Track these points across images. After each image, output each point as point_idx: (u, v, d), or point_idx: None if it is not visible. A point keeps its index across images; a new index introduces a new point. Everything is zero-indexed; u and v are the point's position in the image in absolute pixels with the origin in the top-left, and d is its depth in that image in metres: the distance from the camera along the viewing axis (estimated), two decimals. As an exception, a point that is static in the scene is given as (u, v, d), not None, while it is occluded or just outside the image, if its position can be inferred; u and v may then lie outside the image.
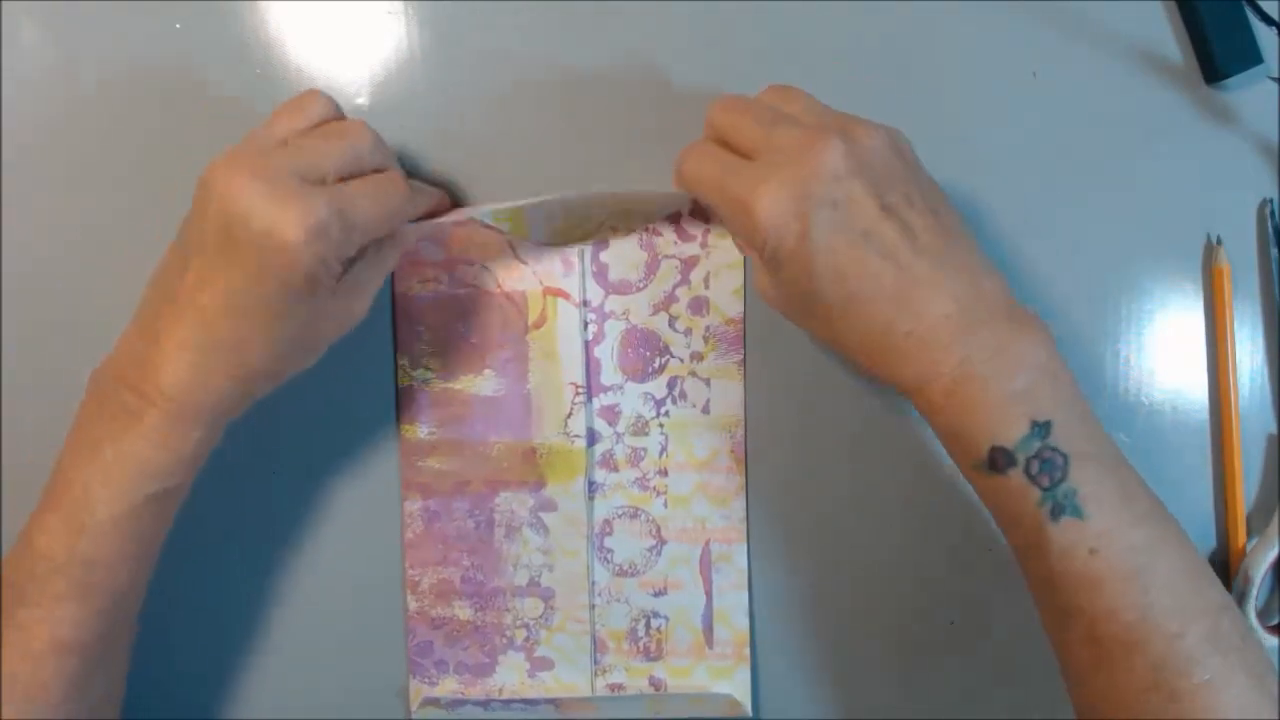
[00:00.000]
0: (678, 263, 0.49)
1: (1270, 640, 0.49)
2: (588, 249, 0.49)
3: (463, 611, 0.51)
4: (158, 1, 0.50)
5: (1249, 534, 0.50)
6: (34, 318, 0.51)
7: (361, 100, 0.50)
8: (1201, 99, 0.49)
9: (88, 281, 0.51)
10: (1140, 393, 0.50)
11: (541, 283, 0.49)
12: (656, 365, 0.50)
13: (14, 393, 0.51)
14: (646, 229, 0.49)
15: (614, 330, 0.50)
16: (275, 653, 0.52)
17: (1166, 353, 0.50)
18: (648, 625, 0.51)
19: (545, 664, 0.51)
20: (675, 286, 0.50)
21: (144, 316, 0.43)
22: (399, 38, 0.50)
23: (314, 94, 0.44)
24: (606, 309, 0.50)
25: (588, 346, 0.50)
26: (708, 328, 0.50)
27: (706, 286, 0.49)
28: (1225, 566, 0.50)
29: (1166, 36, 0.49)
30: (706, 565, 0.51)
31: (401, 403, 0.50)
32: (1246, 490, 0.50)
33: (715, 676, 0.51)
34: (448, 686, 0.51)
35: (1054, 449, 0.38)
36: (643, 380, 0.50)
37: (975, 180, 0.49)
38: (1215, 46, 0.48)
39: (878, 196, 0.39)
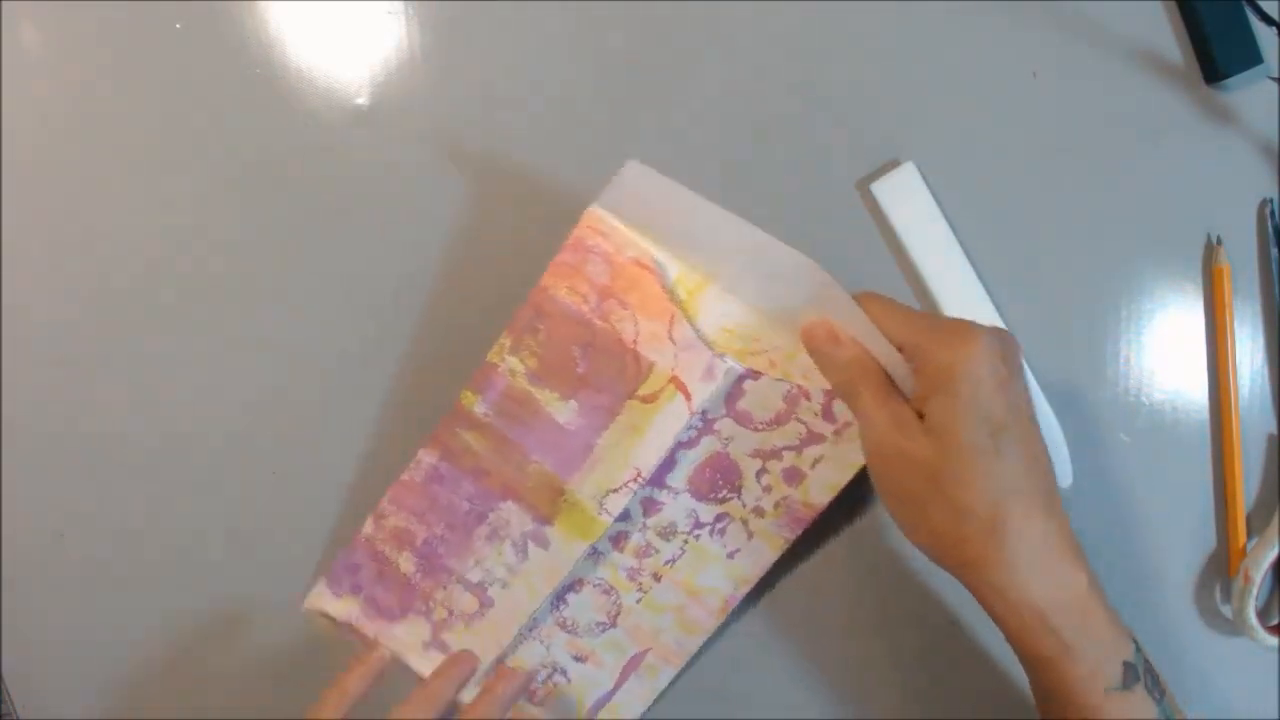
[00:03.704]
0: (804, 430, 0.48)
1: (1270, 640, 0.49)
2: (738, 370, 0.46)
3: (406, 564, 0.50)
4: (158, 1, 0.50)
5: (1249, 534, 0.50)
6: (34, 317, 0.51)
7: (361, 100, 0.50)
8: (1201, 99, 0.49)
9: (88, 281, 0.51)
10: (1140, 393, 0.50)
11: (674, 370, 0.46)
12: (720, 495, 0.49)
13: (14, 393, 0.51)
14: (799, 386, 0.47)
15: (708, 446, 0.49)
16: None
17: (1166, 353, 0.50)
18: (550, 675, 0.51)
19: (443, 649, 0.50)
20: (786, 448, 0.49)
21: None
22: (399, 38, 0.50)
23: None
24: (716, 426, 0.49)
25: (676, 446, 0.48)
26: (786, 497, 0.49)
27: (812, 467, 0.48)
28: (1225, 566, 0.50)
29: (1166, 36, 0.49)
30: (633, 665, 0.51)
31: (478, 373, 0.49)
32: (1246, 490, 0.50)
33: None
34: (348, 609, 0.51)
35: (1146, 660, 0.42)
36: (700, 500, 0.49)
37: (976, 180, 0.49)
38: (1215, 46, 0.48)
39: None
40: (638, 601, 0.50)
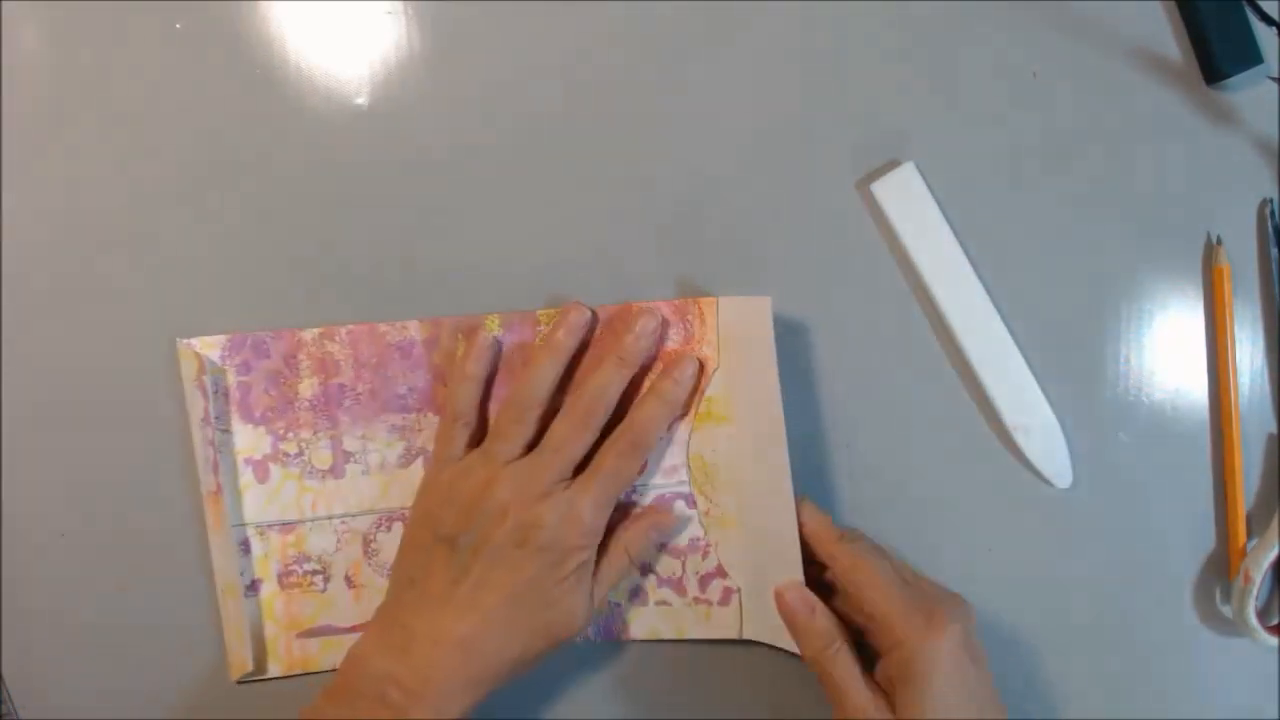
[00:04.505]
0: (678, 575, 0.50)
1: (1270, 640, 0.49)
2: (687, 493, 0.50)
3: (306, 389, 0.50)
4: (158, 1, 0.50)
5: (1249, 534, 0.50)
6: (34, 316, 0.51)
7: (361, 100, 0.50)
8: (1201, 99, 0.49)
9: (88, 280, 0.51)
10: (1140, 393, 0.50)
11: None
12: None
13: (14, 392, 0.51)
14: (707, 544, 0.50)
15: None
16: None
17: (1166, 353, 0.50)
18: (309, 573, 0.51)
19: (262, 474, 0.50)
20: (657, 574, 0.50)
21: (405, 618, 0.46)
22: (399, 38, 0.50)
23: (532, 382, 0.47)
24: (633, 511, 0.50)
25: None
26: (618, 606, 0.50)
27: (656, 605, 0.50)
28: (1225, 566, 0.50)
29: (1166, 36, 0.49)
30: None
31: (517, 314, 0.50)
32: (1246, 490, 0.50)
33: None
34: (223, 374, 0.50)
35: None
36: None
37: (976, 180, 0.49)
38: (1215, 46, 0.48)
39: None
40: None
